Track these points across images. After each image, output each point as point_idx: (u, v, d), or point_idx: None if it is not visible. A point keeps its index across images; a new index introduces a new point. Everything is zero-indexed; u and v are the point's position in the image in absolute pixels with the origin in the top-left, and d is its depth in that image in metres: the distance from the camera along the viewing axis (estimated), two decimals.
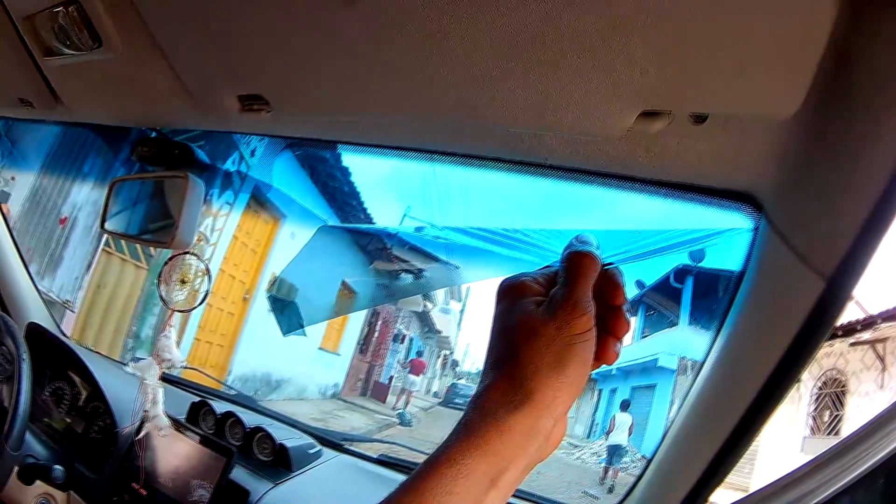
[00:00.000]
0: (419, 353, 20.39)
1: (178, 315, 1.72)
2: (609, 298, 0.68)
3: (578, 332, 0.63)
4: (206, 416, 2.02)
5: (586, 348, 0.64)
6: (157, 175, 1.37)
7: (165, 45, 0.96)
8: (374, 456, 2.21)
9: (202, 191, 1.29)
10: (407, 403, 17.72)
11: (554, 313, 0.64)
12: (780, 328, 0.89)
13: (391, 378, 18.83)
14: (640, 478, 1.53)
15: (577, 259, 0.69)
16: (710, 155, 0.83)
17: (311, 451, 2.02)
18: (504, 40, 0.68)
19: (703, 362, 1.16)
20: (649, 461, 1.46)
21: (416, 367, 18.66)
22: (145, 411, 1.80)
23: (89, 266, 6.84)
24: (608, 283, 0.69)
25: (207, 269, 1.63)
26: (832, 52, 0.58)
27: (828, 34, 0.57)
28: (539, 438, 0.64)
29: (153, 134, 1.36)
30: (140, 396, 1.81)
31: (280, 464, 1.89)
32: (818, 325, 0.83)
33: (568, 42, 0.65)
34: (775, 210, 0.86)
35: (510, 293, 0.70)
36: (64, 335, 2.35)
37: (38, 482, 1.75)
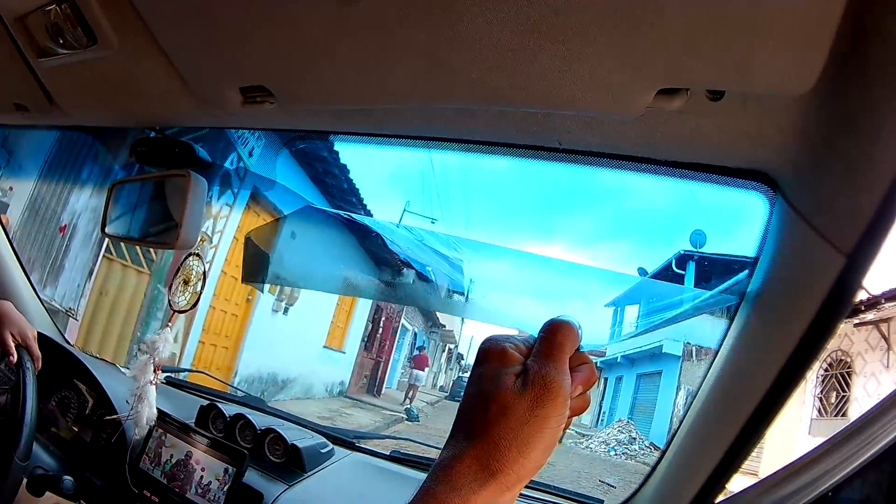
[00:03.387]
0: (420, 349, 21.19)
1: (181, 317, 1.74)
2: (579, 382, 0.70)
3: (552, 415, 0.65)
4: (215, 419, 2.02)
5: (555, 434, 0.66)
6: (157, 175, 1.35)
7: (163, 39, 0.94)
8: (386, 453, 2.22)
9: (205, 189, 1.27)
10: (413, 398, 18.35)
11: (527, 389, 0.66)
12: (800, 307, 0.88)
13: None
14: (655, 467, 1.53)
15: (555, 328, 0.71)
16: (727, 134, 0.83)
17: (324, 451, 2.02)
18: (520, 16, 0.67)
19: (719, 349, 1.15)
20: (664, 450, 1.45)
21: (419, 362, 19.42)
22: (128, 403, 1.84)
23: (91, 273, 6.84)
24: (584, 371, 0.71)
25: (204, 272, 1.63)
26: (848, 26, 0.57)
27: (843, 7, 0.56)
28: None
29: (152, 134, 1.34)
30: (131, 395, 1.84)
31: (293, 464, 1.89)
32: (839, 301, 0.82)
33: (585, 18, 0.65)
34: (792, 188, 0.85)
35: (491, 358, 0.70)
36: (68, 343, 2.34)
37: (47, 493, 1.73)
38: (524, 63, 0.74)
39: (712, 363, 1.18)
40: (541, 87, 0.78)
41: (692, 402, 1.28)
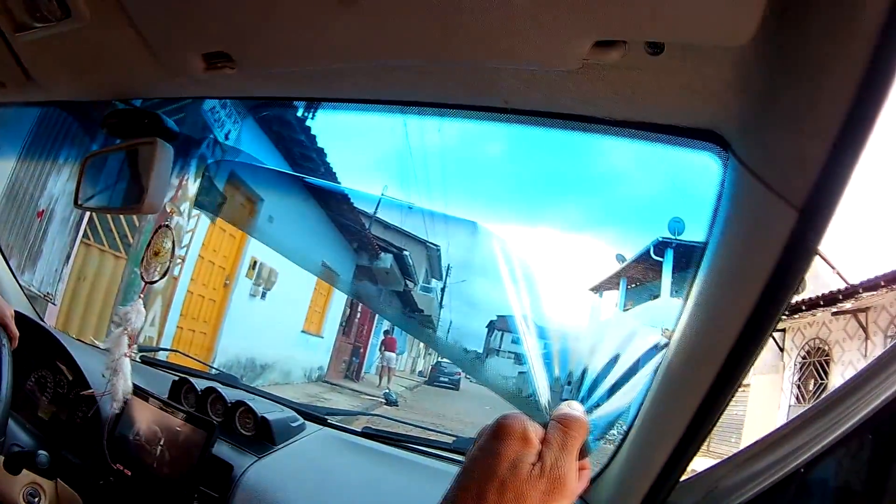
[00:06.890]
0: (386, 333, 21.68)
1: (159, 299, 1.78)
2: (583, 475, 0.77)
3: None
4: (187, 393, 2.03)
5: None
6: (127, 145, 1.36)
7: (132, 8, 0.96)
8: (358, 429, 2.23)
9: (171, 155, 1.30)
10: (389, 380, 18.99)
11: (543, 477, 0.70)
12: (756, 267, 0.86)
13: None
14: (620, 445, 1.48)
15: (572, 423, 0.76)
16: (670, 90, 0.82)
17: (294, 425, 2.03)
18: None
19: (678, 319, 1.12)
20: (629, 427, 1.40)
21: (388, 344, 20.08)
22: (104, 377, 1.85)
23: (68, 258, 6.79)
24: (586, 467, 0.79)
25: (173, 245, 1.66)
26: None
27: None
28: None
29: (122, 106, 1.36)
30: (106, 369, 1.85)
31: (263, 437, 1.89)
32: (795, 257, 0.80)
33: None
34: (741, 144, 0.84)
35: (511, 438, 0.73)
36: (45, 323, 2.34)
37: (24, 472, 1.73)
38: (460, 15, 0.74)
39: (671, 337, 1.15)
40: (477, 40, 0.79)
41: (653, 378, 1.25)
